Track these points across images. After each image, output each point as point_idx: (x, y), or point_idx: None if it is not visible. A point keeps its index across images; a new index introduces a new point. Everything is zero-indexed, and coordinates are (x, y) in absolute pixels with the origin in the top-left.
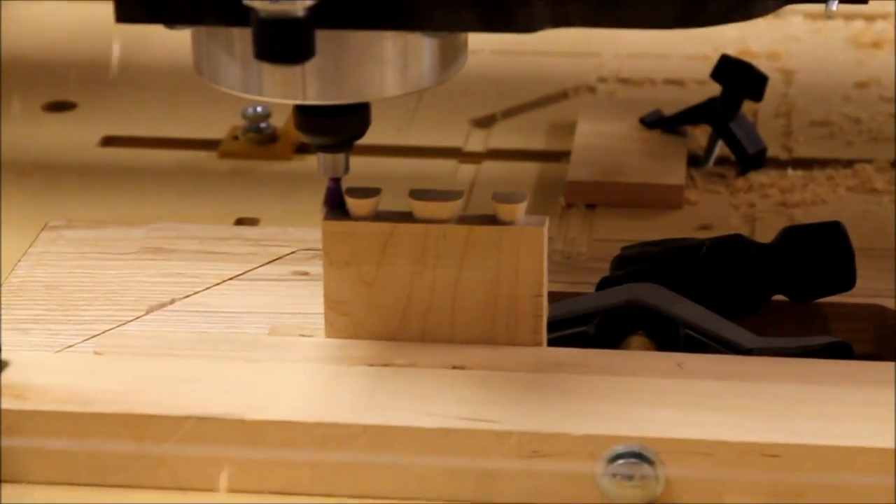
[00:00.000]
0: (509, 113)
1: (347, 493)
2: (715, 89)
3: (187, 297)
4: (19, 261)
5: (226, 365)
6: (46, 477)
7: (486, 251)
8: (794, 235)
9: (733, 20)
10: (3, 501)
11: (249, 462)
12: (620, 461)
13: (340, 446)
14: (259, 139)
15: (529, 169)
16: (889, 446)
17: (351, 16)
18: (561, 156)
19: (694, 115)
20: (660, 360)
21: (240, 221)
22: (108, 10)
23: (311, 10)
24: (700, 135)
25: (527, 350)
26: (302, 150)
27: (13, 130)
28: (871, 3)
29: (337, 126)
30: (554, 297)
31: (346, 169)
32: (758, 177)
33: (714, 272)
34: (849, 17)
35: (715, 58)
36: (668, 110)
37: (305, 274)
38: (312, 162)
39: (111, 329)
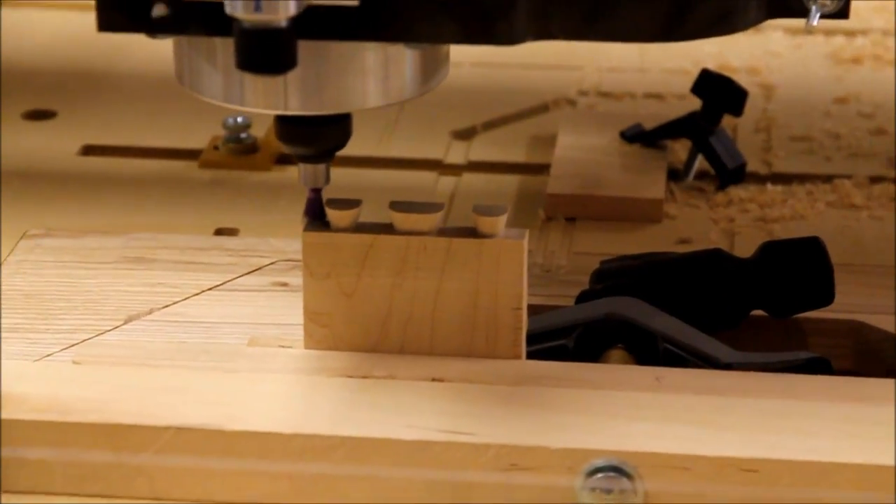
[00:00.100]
0: (490, 125)
1: None
2: (695, 104)
3: (166, 306)
4: None
5: (205, 375)
6: (24, 486)
7: (466, 263)
8: (773, 251)
9: (714, 34)
10: None
11: (228, 473)
12: (599, 475)
13: (319, 458)
14: (239, 149)
15: (510, 181)
16: (868, 462)
17: (333, 27)
18: (541, 169)
19: (674, 129)
20: (638, 373)
21: (220, 231)
22: (90, 18)
23: (294, 21)
24: (680, 149)
25: (506, 363)
26: (282, 160)
27: None
28: (851, 18)
29: (318, 137)
30: (533, 310)
31: (327, 180)
32: (737, 191)
33: (693, 287)
34: (829, 33)
35: (695, 72)
36: (649, 124)
37: (285, 285)
38: (293, 172)
39: (90, 338)
